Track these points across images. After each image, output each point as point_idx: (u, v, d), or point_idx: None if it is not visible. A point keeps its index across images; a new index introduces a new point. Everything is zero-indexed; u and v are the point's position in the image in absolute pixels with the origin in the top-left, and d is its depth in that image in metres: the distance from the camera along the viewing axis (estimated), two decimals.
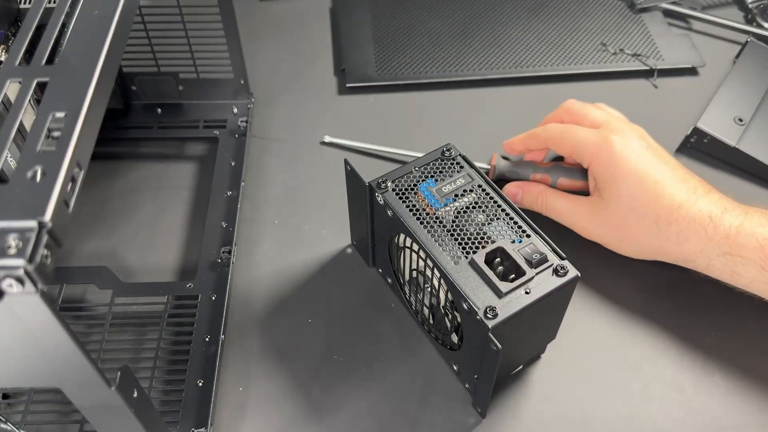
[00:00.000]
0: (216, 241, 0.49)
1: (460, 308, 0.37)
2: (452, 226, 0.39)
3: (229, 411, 0.42)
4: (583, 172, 0.51)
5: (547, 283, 0.37)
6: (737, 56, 0.62)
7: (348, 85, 0.61)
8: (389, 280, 0.47)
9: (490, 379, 0.37)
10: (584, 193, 0.50)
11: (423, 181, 0.41)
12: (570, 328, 0.44)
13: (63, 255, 0.49)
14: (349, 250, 0.50)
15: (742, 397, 0.42)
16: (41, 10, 0.31)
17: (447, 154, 0.42)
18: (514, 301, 0.36)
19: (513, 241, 0.38)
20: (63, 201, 0.24)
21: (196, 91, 0.57)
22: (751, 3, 0.68)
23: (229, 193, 0.52)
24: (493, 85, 0.61)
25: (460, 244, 0.38)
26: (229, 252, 0.48)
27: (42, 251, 0.22)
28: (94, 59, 0.28)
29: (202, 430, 0.40)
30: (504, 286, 0.36)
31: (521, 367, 0.43)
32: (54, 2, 0.32)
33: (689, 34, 0.65)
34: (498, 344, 0.34)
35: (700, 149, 0.56)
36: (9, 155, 0.32)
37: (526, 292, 0.36)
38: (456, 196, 0.40)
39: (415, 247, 0.40)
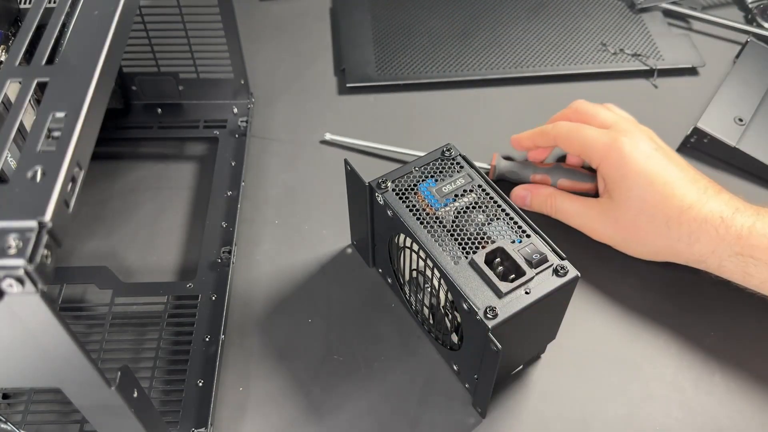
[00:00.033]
0: (216, 241, 0.49)
1: (460, 308, 0.37)
2: (452, 226, 0.39)
3: (229, 411, 0.42)
4: (583, 173, 0.51)
5: (547, 283, 0.37)
6: (737, 56, 0.62)
7: (348, 85, 0.61)
8: (389, 280, 0.47)
9: (490, 379, 0.37)
10: (585, 194, 0.50)
11: (423, 181, 0.41)
12: (570, 328, 0.44)
13: (63, 255, 0.49)
14: (349, 250, 0.50)
15: (742, 397, 0.42)
16: (41, 10, 0.31)
17: (447, 154, 0.42)
18: (514, 301, 0.36)
19: (513, 241, 0.38)
20: (63, 201, 0.24)
21: (196, 91, 0.57)
22: (751, 3, 0.68)
23: (229, 193, 0.52)
24: (493, 85, 0.61)
25: (460, 244, 0.38)
26: (229, 252, 0.48)
27: (42, 251, 0.22)
28: (94, 59, 0.28)
29: (202, 430, 0.40)
30: (504, 286, 0.36)
31: (521, 367, 0.43)
32: (54, 2, 0.32)
33: (689, 34, 0.65)
34: (498, 344, 0.34)
35: (700, 149, 0.56)
36: (9, 155, 0.32)
37: (526, 292, 0.36)
38: (456, 196, 0.40)
39: (415, 247, 0.40)
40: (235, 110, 0.57)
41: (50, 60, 0.29)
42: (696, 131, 0.55)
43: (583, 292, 0.47)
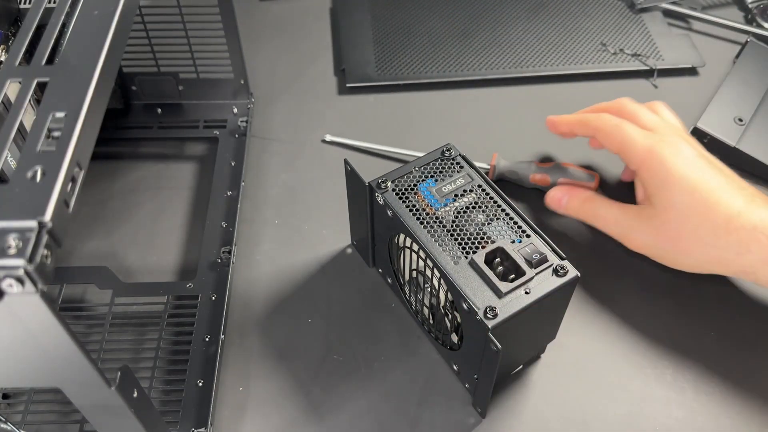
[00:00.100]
0: (216, 241, 0.49)
1: (460, 308, 0.37)
2: (452, 226, 0.39)
3: (229, 411, 0.42)
4: (584, 172, 0.51)
5: (546, 283, 0.37)
6: (737, 56, 0.62)
7: (348, 85, 0.61)
8: (389, 280, 0.47)
9: (490, 379, 0.37)
10: None
11: (423, 181, 0.41)
12: (570, 328, 0.44)
13: (63, 255, 0.49)
14: (349, 250, 0.50)
15: (742, 397, 0.42)
16: (41, 10, 0.31)
17: (447, 154, 0.42)
18: (514, 301, 0.36)
19: (513, 241, 0.38)
20: (63, 201, 0.24)
21: (196, 91, 0.57)
22: (751, 3, 0.68)
23: (229, 193, 0.52)
24: (493, 85, 0.61)
25: (459, 244, 0.38)
26: (229, 252, 0.48)
27: (42, 251, 0.22)
28: (94, 59, 0.28)
29: (202, 430, 0.40)
30: (504, 286, 0.36)
31: (521, 367, 0.43)
32: (54, 2, 0.32)
33: (689, 34, 0.65)
34: (498, 344, 0.34)
35: None
36: (9, 155, 0.32)
37: (526, 292, 0.36)
38: (456, 196, 0.40)
39: (415, 247, 0.40)
40: (235, 110, 0.57)
41: (50, 60, 0.29)
42: (696, 131, 0.55)
43: (583, 292, 0.47)
